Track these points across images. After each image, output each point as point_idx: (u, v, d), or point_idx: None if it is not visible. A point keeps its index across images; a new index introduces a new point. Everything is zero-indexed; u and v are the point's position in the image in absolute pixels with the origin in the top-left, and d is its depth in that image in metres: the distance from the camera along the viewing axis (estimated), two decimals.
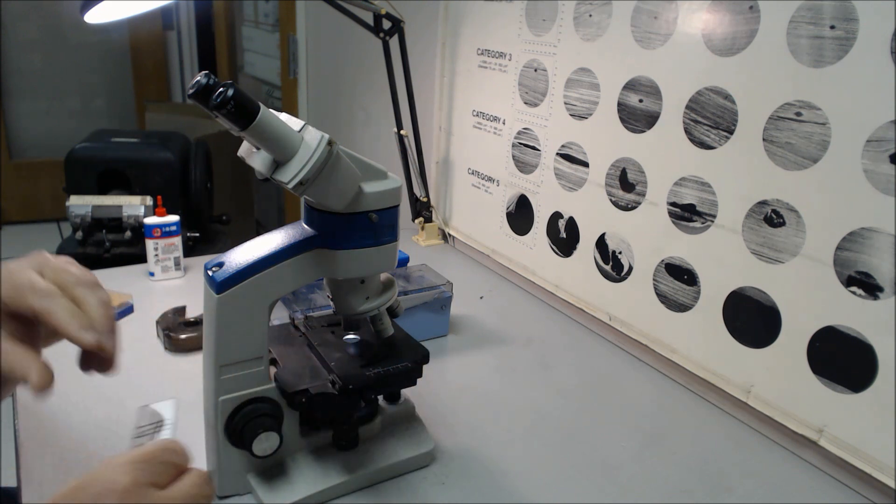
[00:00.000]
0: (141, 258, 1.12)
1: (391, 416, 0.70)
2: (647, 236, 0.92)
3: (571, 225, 1.05)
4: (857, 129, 0.66)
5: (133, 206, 1.64)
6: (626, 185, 0.94)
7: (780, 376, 0.76)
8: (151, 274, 1.10)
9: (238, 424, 0.59)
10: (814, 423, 0.73)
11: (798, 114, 0.71)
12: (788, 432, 0.76)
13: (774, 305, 0.76)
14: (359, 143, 1.83)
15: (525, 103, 1.11)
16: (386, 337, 0.67)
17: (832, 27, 0.67)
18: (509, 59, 1.13)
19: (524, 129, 1.12)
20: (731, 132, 0.78)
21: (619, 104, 0.93)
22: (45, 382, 0.44)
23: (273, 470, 0.63)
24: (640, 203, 0.92)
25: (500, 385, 0.87)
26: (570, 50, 1.01)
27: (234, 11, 3.28)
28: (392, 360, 0.65)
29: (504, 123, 1.17)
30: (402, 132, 1.27)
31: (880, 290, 0.66)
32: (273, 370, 0.63)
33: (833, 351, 0.71)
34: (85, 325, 0.45)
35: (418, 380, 0.67)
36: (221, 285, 0.56)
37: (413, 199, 1.34)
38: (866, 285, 0.67)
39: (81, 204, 1.64)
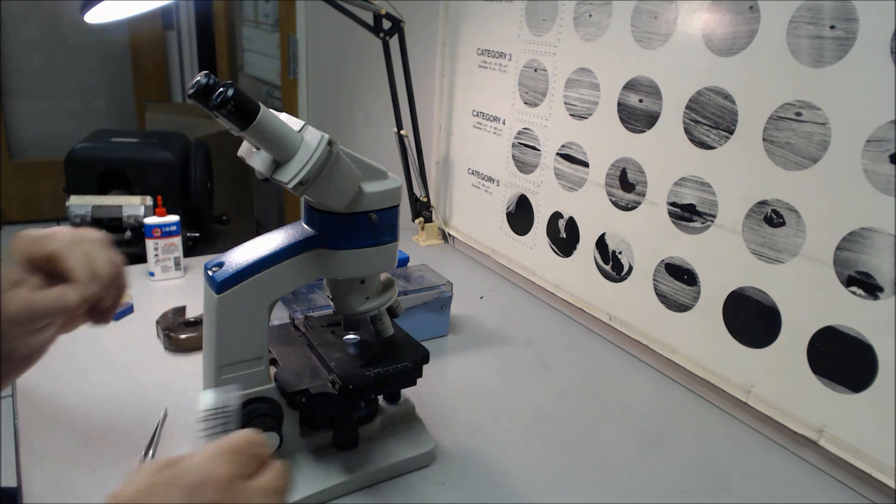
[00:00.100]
0: (141, 258, 1.12)
1: (391, 416, 0.70)
2: (647, 236, 0.92)
3: (571, 225, 1.05)
4: (857, 129, 0.66)
5: (133, 206, 1.64)
6: (626, 185, 0.94)
7: (780, 376, 0.76)
8: (151, 274, 1.10)
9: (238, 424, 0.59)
10: (814, 423, 0.73)
11: (798, 114, 0.71)
12: (788, 432, 0.76)
13: (774, 305, 0.76)
14: (359, 143, 1.83)
15: (525, 103, 1.11)
16: (386, 337, 0.67)
17: (832, 27, 0.67)
18: (509, 59, 1.13)
19: (524, 129, 1.12)
20: (731, 132, 0.78)
21: (619, 104, 0.93)
22: (89, 293, 0.50)
23: None
24: (640, 203, 0.92)
25: (500, 385, 0.87)
26: (570, 50, 1.01)
27: (234, 11, 3.28)
28: (392, 360, 0.65)
29: (504, 123, 1.17)
30: (402, 132, 1.27)
31: (880, 290, 0.66)
32: (273, 370, 0.63)
33: (833, 351, 0.71)
34: (91, 274, 0.51)
35: (418, 380, 0.67)
36: (221, 285, 0.56)
37: (413, 199, 1.34)
38: (866, 285, 0.67)
39: (81, 204, 1.64)
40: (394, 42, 1.20)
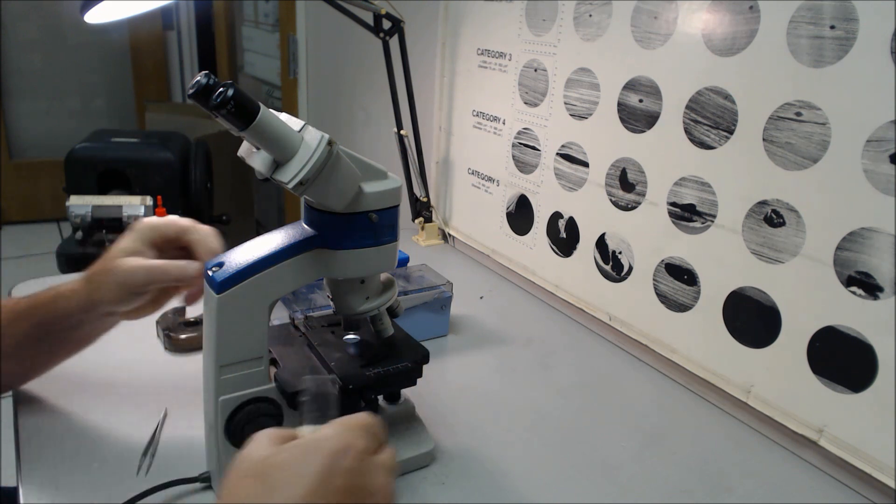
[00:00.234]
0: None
1: (391, 416, 0.70)
2: (647, 236, 0.92)
3: (571, 225, 1.05)
4: (857, 129, 0.66)
5: (133, 206, 1.64)
6: (626, 185, 0.94)
7: (780, 376, 0.76)
8: None
9: (238, 424, 0.59)
10: (814, 423, 0.74)
11: (798, 114, 0.71)
12: (788, 432, 0.76)
13: (774, 305, 0.76)
14: (359, 143, 1.83)
15: (525, 103, 1.11)
16: (386, 337, 0.67)
17: (832, 27, 0.67)
18: (509, 59, 1.13)
19: (524, 129, 1.12)
20: (731, 132, 0.78)
21: (619, 104, 0.93)
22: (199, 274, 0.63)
23: None
24: (640, 203, 0.92)
25: (500, 385, 0.87)
26: (570, 50, 1.01)
27: (234, 11, 3.28)
28: (392, 360, 0.65)
29: (504, 123, 1.17)
30: (402, 132, 1.27)
31: (880, 290, 0.66)
32: (273, 370, 0.63)
33: (833, 351, 0.71)
34: (211, 254, 0.66)
35: (418, 380, 0.67)
36: (221, 285, 0.56)
37: (413, 199, 1.34)
38: (866, 285, 0.67)
39: (81, 204, 1.64)
40: (394, 42, 1.20)
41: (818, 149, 0.70)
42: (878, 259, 0.66)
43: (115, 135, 1.94)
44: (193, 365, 0.84)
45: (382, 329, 0.67)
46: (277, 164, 0.54)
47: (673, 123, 0.85)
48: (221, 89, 0.50)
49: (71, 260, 1.69)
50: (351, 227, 0.58)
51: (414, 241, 1.37)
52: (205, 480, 0.63)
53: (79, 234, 1.65)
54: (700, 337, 0.86)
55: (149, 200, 1.66)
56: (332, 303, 0.66)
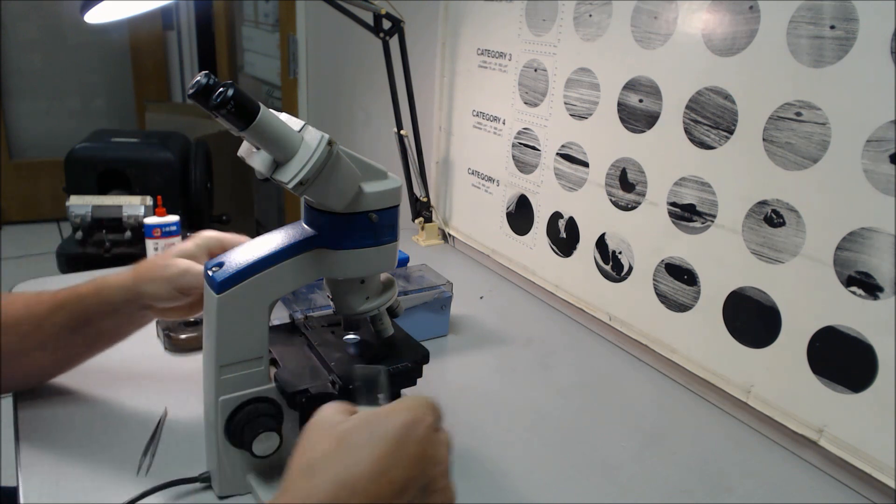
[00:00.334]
0: (141, 258, 1.12)
1: None
2: (647, 236, 0.92)
3: (571, 225, 1.05)
4: (857, 129, 0.66)
5: (133, 206, 1.64)
6: (626, 185, 0.94)
7: (780, 376, 0.76)
8: None
9: (238, 424, 0.59)
10: (814, 423, 0.74)
11: (798, 114, 0.71)
12: (788, 432, 0.76)
13: (774, 305, 0.76)
14: (359, 143, 1.83)
15: (525, 103, 1.11)
16: (386, 337, 0.67)
17: (832, 27, 0.67)
18: (509, 59, 1.13)
19: (524, 129, 1.12)
20: (731, 132, 0.78)
21: (619, 104, 0.93)
22: None
23: (273, 470, 0.63)
24: (640, 203, 0.92)
25: (500, 385, 0.87)
26: (570, 50, 1.01)
27: (234, 11, 3.28)
28: (392, 360, 0.65)
29: (504, 123, 1.17)
30: (402, 132, 1.27)
31: (880, 290, 0.66)
32: (273, 370, 0.63)
33: (833, 351, 0.71)
34: None
35: (418, 380, 0.67)
36: (221, 285, 0.56)
37: (413, 199, 1.34)
38: (866, 285, 0.67)
39: (81, 204, 1.64)
40: (394, 42, 1.20)
41: (818, 149, 0.70)
42: (878, 259, 0.66)
43: (115, 135, 1.94)
44: (193, 365, 0.84)
45: (382, 329, 0.67)
46: (277, 164, 0.54)
47: (673, 123, 0.85)
48: (221, 89, 0.50)
49: (71, 260, 1.68)
50: (351, 227, 0.58)
51: (414, 241, 1.37)
52: (205, 480, 0.63)
53: (79, 234, 1.65)
54: (700, 337, 0.86)
55: (149, 200, 1.66)
56: (332, 303, 0.66)
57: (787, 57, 0.71)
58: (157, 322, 0.91)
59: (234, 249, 0.59)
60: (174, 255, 0.70)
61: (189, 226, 1.81)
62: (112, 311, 0.70)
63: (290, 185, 0.52)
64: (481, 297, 1.13)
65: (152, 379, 0.81)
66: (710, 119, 0.81)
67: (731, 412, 0.84)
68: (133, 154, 1.85)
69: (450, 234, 1.37)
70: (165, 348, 0.88)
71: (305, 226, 0.60)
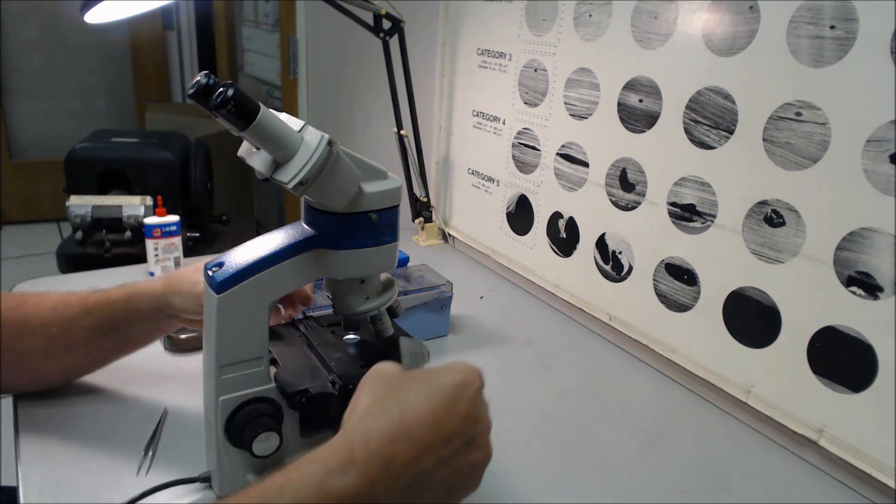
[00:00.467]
0: (141, 258, 1.12)
1: None
2: (647, 236, 0.92)
3: (571, 225, 1.05)
4: (857, 129, 0.66)
5: (133, 206, 1.64)
6: (626, 185, 0.94)
7: (780, 376, 0.76)
8: (151, 274, 1.10)
9: (238, 424, 0.59)
10: (814, 423, 0.74)
11: (798, 114, 0.71)
12: (788, 432, 0.76)
13: (774, 305, 0.76)
14: (359, 143, 1.83)
15: (525, 103, 1.11)
16: (386, 337, 0.67)
17: (832, 27, 0.67)
18: (509, 59, 1.13)
19: (524, 129, 1.12)
20: (731, 132, 0.78)
21: (619, 104, 0.93)
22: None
23: (273, 470, 0.63)
24: (640, 203, 0.92)
25: (500, 385, 0.87)
26: (570, 50, 1.01)
27: (234, 11, 3.28)
28: (392, 360, 0.65)
29: (504, 123, 1.17)
30: (402, 132, 1.27)
31: (880, 290, 0.66)
32: (273, 370, 0.63)
33: (833, 351, 0.71)
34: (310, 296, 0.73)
35: None
36: (221, 285, 0.56)
37: (413, 199, 1.34)
38: (866, 285, 0.67)
39: (81, 204, 1.64)
40: (394, 42, 1.20)
41: (818, 149, 0.70)
42: (878, 259, 0.66)
43: (115, 135, 1.93)
44: (193, 365, 0.84)
45: (382, 329, 0.67)
46: (277, 164, 0.54)
47: (673, 123, 0.85)
48: (221, 89, 0.50)
49: (71, 260, 1.68)
50: (351, 227, 0.58)
51: (414, 241, 1.37)
52: (205, 480, 0.63)
53: (79, 234, 1.65)
54: (700, 337, 0.86)
55: (149, 200, 1.66)
56: (332, 303, 0.66)
57: (787, 57, 0.71)
58: None
59: (234, 249, 0.59)
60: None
61: (189, 226, 1.81)
62: (140, 319, 0.70)
63: (290, 185, 0.52)
64: (481, 297, 1.13)
65: (152, 379, 0.81)
66: (710, 119, 0.81)
67: (731, 412, 0.84)
68: (133, 154, 1.85)
69: (450, 234, 1.37)
70: (165, 348, 0.88)
71: (305, 226, 0.60)
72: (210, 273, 0.57)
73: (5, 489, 0.90)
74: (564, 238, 1.07)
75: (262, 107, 0.51)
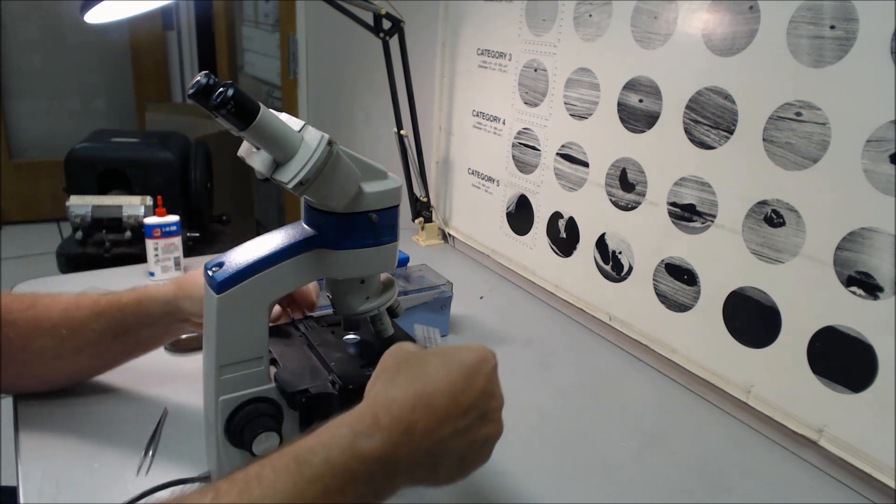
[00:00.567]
0: (141, 258, 1.12)
1: None
2: (647, 236, 0.92)
3: (571, 225, 1.05)
4: (857, 129, 0.66)
5: (133, 206, 1.64)
6: (626, 185, 0.94)
7: (780, 376, 0.76)
8: (151, 274, 1.10)
9: (238, 424, 0.59)
10: (814, 423, 0.74)
11: (798, 114, 0.71)
12: (788, 432, 0.76)
13: (774, 305, 0.76)
14: (359, 143, 1.83)
15: (525, 103, 1.11)
16: (386, 337, 0.67)
17: (832, 27, 0.67)
18: (509, 59, 1.13)
19: (524, 129, 1.12)
20: (731, 132, 0.78)
21: (619, 104, 0.93)
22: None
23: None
24: (640, 203, 0.92)
25: (501, 385, 0.87)
26: (570, 50, 1.01)
27: (234, 11, 3.28)
28: None
29: (504, 123, 1.17)
30: (402, 132, 1.27)
31: (880, 290, 0.66)
32: (273, 370, 0.63)
33: (833, 351, 0.71)
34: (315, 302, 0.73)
35: None
36: (221, 285, 0.56)
37: (413, 199, 1.34)
38: (866, 285, 0.67)
39: (81, 204, 1.64)
40: (394, 42, 1.20)
41: (818, 149, 0.70)
42: (878, 259, 0.66)
43: (115, 135, 1.93)
44: (193, 365, 0.84)
45: (382, 329, 0.67)
46: (277, 164, 0.54)
47: (673, 123, 0.85)
48: (221, 89, 0.50)
49: (71, 260, 1.68)
50: (351, 227, 0.58)
51: (414, 241, 1.37)
52: (205, 480, 0.63)
53: (79, 234, 1.65)
54: (700, 337, 0.86)
55: (149, 200, 1.66)
56: (332, 303, 0.66)
57: (787, 57, 0.71)
58: None
59: (234, 249, 0.59)
60: None
61: (189, 226, 1.81)
62: (151, 322, 0.71)
63: (290, 185, 0.52)
64: (481, 297, 1.13)
65: (152, 379, 0.81)
66: (710, 119, 0.81)
67: (731, 412, 0.84)
68: (133, 154, 1.85)
69: (450, 234, 1.37)
70: (166, 348, 0.88)
71: (305, 226, 0.60)
72: (210, 273, 0.57)
73: (5, 489, 0.90)
74: (564, 238, 1.07)
75: (262, 107, 0.51)
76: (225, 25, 3.29)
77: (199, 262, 1.17)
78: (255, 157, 0.56)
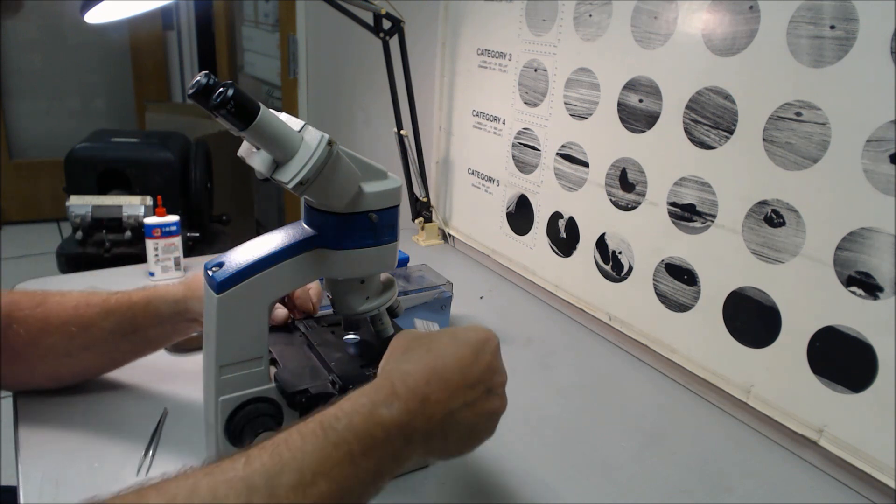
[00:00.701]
0: (141, 258, 1.12)
1: None
2: (647, 236, 0.92)
3: (571, 225, 1.05)
4: (857, 129, 0.66)
5: (133, 206, 1.64)
6: (626, 185, 0.94)
7: (780, 376, 0.76)
8: (151, 274, 1.10)
9: (238, 424, 0.59)
10: (814, 423, 0.74)
11: (798, 114, 0.71)
12: (788, 432, 0.76)
13: (774, 305, 0.76)
14: (359, 143, 1.83)
15: (525, 103, 1.11)
16: (386, 337, 0.67)
17: (832, 27, 0.67)
18: (509, 59, 1.13)
19: (524, 129, 1.12)
20: (731, 132, 0.78)
21: (619, 104, 0.93)
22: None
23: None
24: (640, 203, 0.92)
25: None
26: (570, 50, 1.01)
27: (234, 11, 3.28)
28: None
29: (504, 123, 1.17)
30: (402, 132, 1.27)
31: (880, 290, 0.66)
32: (273, 370, 0.63)
33: (833, 351, 0.71)
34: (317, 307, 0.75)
35: None
36: (221, 285, 0.56)
37: (413, 199, 1.34)
38: (866, 285, 0.67)
39: (81, 204, 1.64)
40: (394, 42, 1.20)
41: (818, 149, 0.70)
42: (878, 259, 0.66)
43: (115, 135, 1.93)
44: (193, 365, 0.84)
45: (382, 329, 0.67)
46: (277, 164, 0.54)
47: (673, 123, 0.85)
48: (221, 89, 0.50)
49: (71, 260, 1.68)
50: (351, 227, 0.58)
51: (414, 241, 1.37)
52: None
53: (79, 234, 1.65)
54: (700, 337, 0.86)
55: (149, 200, 1.66)
56: (332, 303, 0.66)
57: (787, 57, 0.71)
58: None
59: (234, 249, 0.59)
60: None
61: (189, 226, 1.81)
62: (160, 322, 0.72)
63: (290, 185, 0.52)
64: (481, 297, 1.13)
65: (152, 379, 0.81)
66: (710, 119, 0.81)
67: (731, 412, 0.84)
68: (133, 154, 1.85)
69: (450, 234, 1.37)
70: (166, 349, 0.88)
71: (305, 226, 0.60)
72: (210, 273, 0.57)
73: (5, 489, 0.90)
74: (564, 238, 1.07)
75: (262, 107, 0.51)
76: (225, 25, 3.29)
77: (199, 262, 1.17)
78: (255, 157, 0.56)
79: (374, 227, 0.59)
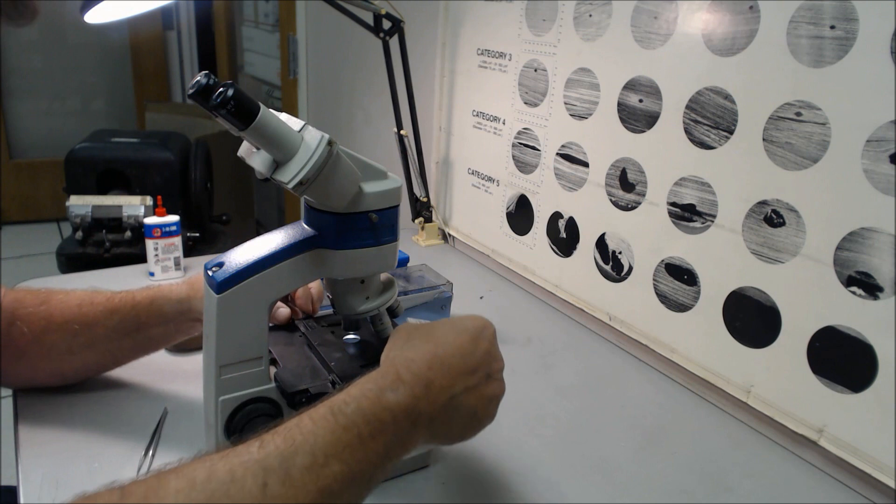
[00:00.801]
0: (141, 258, 1.12)
1: None
2: (647, 236, 0.92)
3: (571, 225, 1.05)
4: (857, 129, 0.66)
5: (133, 206, 1.65)
6: (626, 185, 0.94)
7: (780, 376, 0.76)
8: (151, 274, 1.10)
9: (238, 424, 0.59)
10: (814, 423, 0.74)
11: (798, 114, 0.71)
12: (788, 432, 0.76)
13: (774, 305, 0.76)
14: (359, 143, 1.83)
15: (525, 103, 1.11)
16: (386, 337, 0.67)
17: (832, 27, 0.67)
18: (509, 59, 1.13)
19: (524, 129, 1.12)
20: (731, 132, 0.78)
21: (619, 104, 0.93)
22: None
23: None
24: (640, 203, 0.92)
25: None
26: (570, 50, 1.01)
27: (234, 11, 3.28)
28: None
29: (504, 123, 1.17)
30: (402, 132, 1.27)
31: (880, 290, 0.66)
32: (273, 370, 0.63)
33: (833, 351, 0.71)
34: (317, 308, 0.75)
35: None
36: (221, 285, 0.56)
37: (413, 199, 1.34)
38: (866, 285, 0.67)
39: (81, 204, 1.64)
40: (394, 42, 1.20)
41: (818, 149, 0.70)
42: (878, 259, 0.66)
43: (115, 135, 1.94)
44: (193, 365, 0.84)
45: (382, 329, 0.67)
46: (277, 164, 0.54)
47: (673, 123, 0.85)
48: (221, 89, 0.50)
49: (71, 260, 1.69)
50: (351, 227, 0.58)
51: (414, 241, 1.37)
52: None
53: (79, 234, 1.65)
54: (700, 337, 0.86)
55: (149, 200, 1.66)
56: (332, 303, 0.66)
57: (787, 57, 0.71)
58: None
59: (234, 249, 0.59)
60: None
61: (189, 226, 1.81)
62: (163, 321, 0.72)
63: (290, 185, 0.52)
64: (481, 297, 1.13)
65: (152, 379, 0.81)
66: (710, 119, 0.81)
67: (731, 412, 0.84)
68: (133, 154, 1.85)
69: (450, 234, 1.37)
70: (166, 348, 0.88)
71: (305, 226, 0.60)
72: (210, 273, 0.57)
73: (5, 488, 0.90)
74: (564, 238, 1.07)
75: (262, 107, 0.51)
76: (225, 25, 3.29)
77: (199, 262, 1.17)
78: (255, 157, 0.56)
79: (374, 227, 0.59)
